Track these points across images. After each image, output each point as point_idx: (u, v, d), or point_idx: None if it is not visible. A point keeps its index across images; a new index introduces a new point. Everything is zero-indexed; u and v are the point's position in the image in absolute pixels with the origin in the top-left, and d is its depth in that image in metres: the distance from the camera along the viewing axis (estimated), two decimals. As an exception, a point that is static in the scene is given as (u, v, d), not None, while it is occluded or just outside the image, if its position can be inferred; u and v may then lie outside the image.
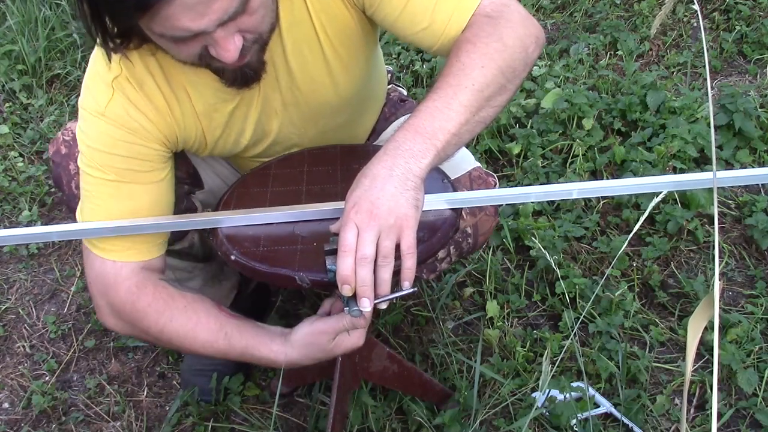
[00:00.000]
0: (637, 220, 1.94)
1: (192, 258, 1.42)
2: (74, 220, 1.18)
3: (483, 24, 1.04)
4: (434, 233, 1.12)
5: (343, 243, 0.95)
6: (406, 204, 0.95)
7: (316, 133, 1.32)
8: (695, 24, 2.81)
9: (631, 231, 1.93)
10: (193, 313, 1.16)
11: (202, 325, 1.16)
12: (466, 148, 1.47)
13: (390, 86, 1.55)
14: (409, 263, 0.96)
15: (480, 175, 1.31)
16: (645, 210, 1.93)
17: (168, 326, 1.16)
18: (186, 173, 1.34)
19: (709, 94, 0.89)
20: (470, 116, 0.99)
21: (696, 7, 0.70)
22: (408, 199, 0.95)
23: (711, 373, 1.60)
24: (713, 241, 1.91)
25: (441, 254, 1.29)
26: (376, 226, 0.94)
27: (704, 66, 2.61)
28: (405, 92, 1.56)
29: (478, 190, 1.28)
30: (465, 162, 1.33)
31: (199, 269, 1.46)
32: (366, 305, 0.97)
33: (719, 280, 1.48)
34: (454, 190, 1.22)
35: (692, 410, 1.53)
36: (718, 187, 2.02)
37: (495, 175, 1.33)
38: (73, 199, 1.25)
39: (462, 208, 1.26)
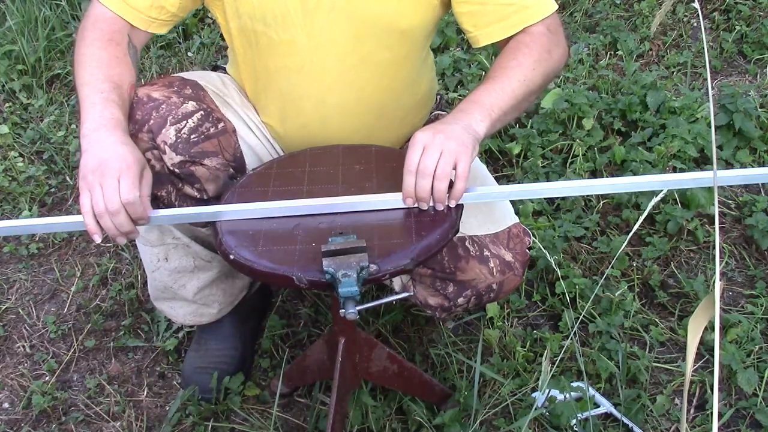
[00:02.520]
0: (637, 220, 1.95)
1: (213, 248, 1.43)
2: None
3: (542, 35, 1.26)
4: (434, 232, 1.12)
5: (409, 163, 1.11)
6: (467, 139, 1.12)
7: (356, 60, 1.30)
8: (695, 24, 2.81)
9: (631, 231, 1.93)
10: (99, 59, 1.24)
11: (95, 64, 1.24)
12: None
13: (442, 113, 1.55)
14: (460, 186, 1.12)
15: (518, 233, 1.33)
16: (644, 208, 1.94)
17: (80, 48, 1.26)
18: (233, 156, 1.35)
19: (710, 94, 0.89)
20: (515, 104, 1.20)
21: (696, 5, 0.70)
22: (468, 138, 1.12)
23: (711, 373, 1.60)
24: (714, 241, 1.91)
25: (460, 300, 1.32)
26: (440, 146, 1.10)
27: (704, 66, 2.61)
28: None
29: (512, 247, 1.31)
30: (506, 217, 1.35)
31: (217, 261, 1.46)
32: (423, 207, 1.14)
33: (719, 280, 1.48)
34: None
35: (692, 410, 1.53)
36: (718, 187, 2.02)
37: (530, 234, 1.37)
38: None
39: (488, 256, 1.28)
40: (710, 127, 2.12)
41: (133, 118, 1.26)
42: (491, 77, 1.21)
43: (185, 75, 1.39)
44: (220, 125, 1.33)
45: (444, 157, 1.10)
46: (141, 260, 1.50)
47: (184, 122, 1.28)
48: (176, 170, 1.28)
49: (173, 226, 1.38)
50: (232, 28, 1.34)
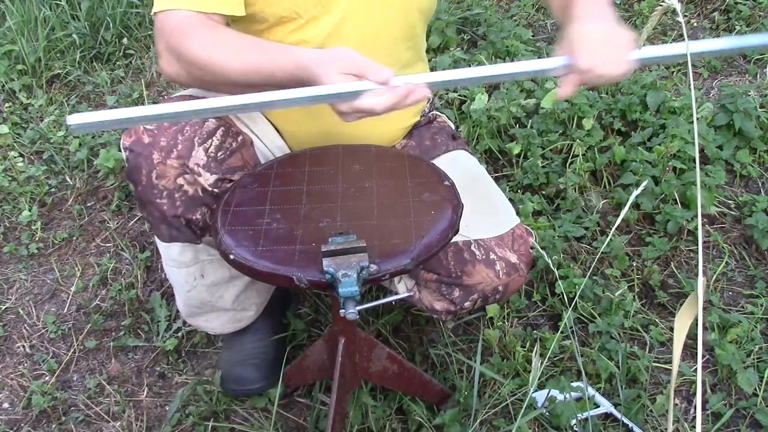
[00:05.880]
0: (638, 220, 1.95)
1: None
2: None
3: None
4: (434, 232, 1.12)
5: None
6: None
7: (372, 23, 1.30)
8: (695, 24, 2.81)
9: (631, 231, 1.94)
10: (228, 36, 1.18)
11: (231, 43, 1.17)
12: (472, 155, 1.50)
13: (440, 114, 1.56)
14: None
15: (521, 233, 1.33)
16: (644, 209, 1.93)
17: (206, 44, 1.16)
18: (254, 168, 1.35)
19: (692, 96, 0.89)
20: None
21: (681, 20, 0.70)
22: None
23: (711, 372, 1.60)
24: (713, 241, 1.91)
25: (466, 304, 1.32)
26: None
27: (704, 66, 2.61)
28: (453, 126, 1.57)
29: (517, 249, 1.30)
30: (510, 218, 1.35)
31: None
32: None
33: (703, 275, 1.48)
34: (454, 189, 1.22)
35: (692, 410, 1.53)
36: (717, 187, 2.02)
37: (533, 233, 1.36)
38: (151, 190, 1.24)
39: (494, 259, 1.27)
40: (710, 127, 2.13)
41: (157, 144, 1.24)
42: None
43: (190, 93, 1.38)
44: (240, 138, 1.34)
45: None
46: (171, 282, 1.48)
47: (210, 141, 1.28)
48: (214, 190, 1.27)
49: (207, 245, 1.36)
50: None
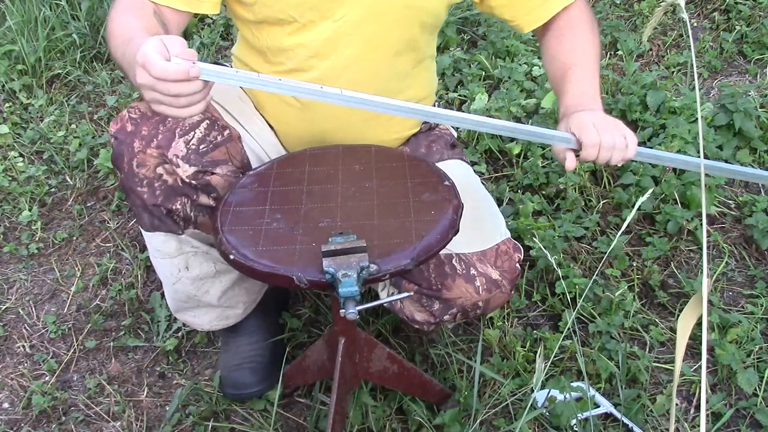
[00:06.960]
0: (638, 220, 1.95)
1: None
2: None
3: (580, 8, 1.39)
4: (434, 232, 1.12)
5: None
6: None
7: (371, 35, 1.29)
8: (695, 24, 2.81)
9: (631, 231, 1.94)
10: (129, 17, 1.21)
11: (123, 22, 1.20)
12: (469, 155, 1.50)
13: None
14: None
15: (507, 249, 1.30)
16: (644, 209, 1.93)
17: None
18: (241, 163, 1.35)
19: (697, 95, 0.89)
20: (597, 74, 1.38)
21: (685, 16, 0.71)
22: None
23: (711, 372, 1.60)
24: (713, 241, 1.91)
25: (446, 317, 1.31)
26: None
27: (704, 66, 2.61)
28: (455, 134, 1.57)
29: (500, 265, 1.28)
30: (495, 233, 1.32)
31: None
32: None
33: (707, 277, 1.49)
34: (452, 188, 1.22)
35: (692, 410, 1.54)
36: (717, 186, 2.02)
37: (521, 249, 1.33)
38: (132, 178, 1.26)
39: (474, 275, 1.26)
40: (710, 127, 2.13)
41: (139, 133, 1.25)
42: (589, 64, 1.33)
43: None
44: (226, 132, 1.33)
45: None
46: (158, 275, 1.48)
47: (192, 133, 1.28)
48: (192, 181, 1.27)
49: (190, 237, 1.37)
50: (247, 20, 1.33)
